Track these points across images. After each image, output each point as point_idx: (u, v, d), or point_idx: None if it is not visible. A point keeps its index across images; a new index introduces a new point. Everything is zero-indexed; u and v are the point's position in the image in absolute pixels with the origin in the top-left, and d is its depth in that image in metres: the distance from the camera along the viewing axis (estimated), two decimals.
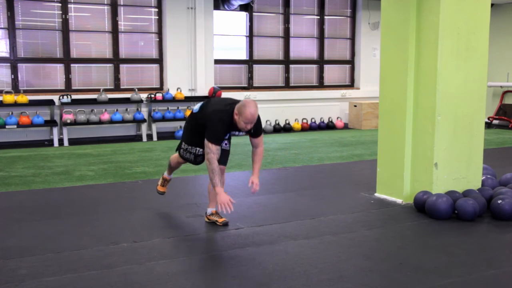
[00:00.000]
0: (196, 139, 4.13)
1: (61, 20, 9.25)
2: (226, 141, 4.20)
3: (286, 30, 11.19)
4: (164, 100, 9.66)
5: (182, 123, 9.84)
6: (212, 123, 3.88)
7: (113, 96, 9.44)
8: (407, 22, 4.80)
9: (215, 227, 4.22)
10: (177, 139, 9.43)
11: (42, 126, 8.90)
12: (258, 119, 3.98)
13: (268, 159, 7.39)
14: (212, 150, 3.83)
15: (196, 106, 4.16)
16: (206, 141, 3.86)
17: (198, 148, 4.15)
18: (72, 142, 8.96)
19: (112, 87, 9.70)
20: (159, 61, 10.06)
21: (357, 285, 3.12)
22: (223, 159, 4.17)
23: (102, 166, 6.83)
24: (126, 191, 5.50)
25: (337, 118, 11.52)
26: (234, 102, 3.98)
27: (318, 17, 11.54)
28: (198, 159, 4.21)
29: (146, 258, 3.53)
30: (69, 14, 9.28)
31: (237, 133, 4.05)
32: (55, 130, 8.82)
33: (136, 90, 9.55)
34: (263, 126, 10.52)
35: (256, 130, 4.03)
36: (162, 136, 9.67)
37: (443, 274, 3.30)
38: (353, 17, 11.90)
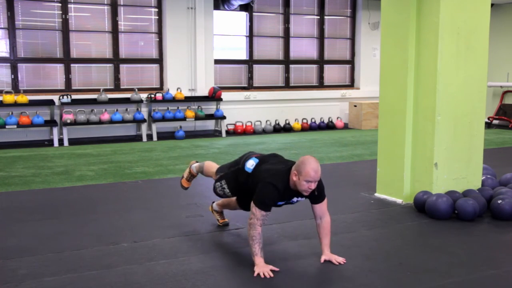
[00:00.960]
0: (239, 194, 3.76)
1: (61, 20, 9.25)
2: None
3: (286, 30, 11.19)
4: (164, 100, 9.66)
5: (182, 123, 9.85)
6: (263, 185, 3.30)
7: (113, 96, 9.44)
8: (407, 22, 4.80)
9: (215, 227, 4.22)
10: (177, 139, 9.43)
11: (42, 126, 8.90)
12: (320, 180, 3.35)
13: None
14: (256, 216, 3.27)
15: (250, 164, 3.55)
16: (252, 204, 3.31)
17: (232, 194, 3.81)
18: (72, 142, 8.96)
19: (112, 87, 9.70)
20: (159, 61, 10.06)
21: (357, 285, 3.12)
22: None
23: (102, 166, 6.83)
24: (126, 191, 5.50)
25: (337, 118, 11.52)
26: (291, 166, 3.36)
27: (318, 17, 11.54)
28: (228, 196, 3.90)
29: (146, 258, 3.53)
30: (69, 14, 9.28)
31: (295, 199, 3.47)
32: (55, 130, 8.81)
33: (136, 90, 9.55)
34: (263, 125, 10.69)
35: (319, 193, 3.39)
36: (162, 136, 9.67)
37: (443, 274, 3.30)
38: (353, 17, 11.90)
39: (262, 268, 3.24)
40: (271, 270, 3.26)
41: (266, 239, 3.92)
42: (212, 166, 4.03)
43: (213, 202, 4.32)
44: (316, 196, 3.38)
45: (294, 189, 3.33)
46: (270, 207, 3.32)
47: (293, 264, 3.46)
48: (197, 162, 4.24)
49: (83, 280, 3.17)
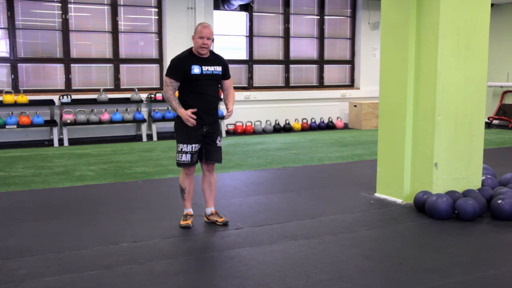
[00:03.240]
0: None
1: (61, 20, 9.25)
2: (219, 138, 4.23)
3: (286, 30, 11.19)
4: (164, 100, 9.66)
5: None
6: (170, 63, 4.13)
7: (113, 96, 9.44)
8: (407, 22, 4.80)
9: (215, 227, 4.22)
10: None
11: (42, 126, 8.90)
12: (226, 64, 4.23)
13: (268, 159, 7.39)
14: (167, 83, 4.07)
15: None
16: (164, 78, 4.12)
17: (193, 145, 4.11)
18: (72, 142, 8.96)
19: (112, 87, 9.70)
20: (159, 61, 10.06)
21: (357, 285, 3.12)
22: (216, 156, 4.22)
23: (102, 166, 6.83)
24: (126, 191, 5.50)
25: (337, 118, 11.52)
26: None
27: (318, 17, 11.54)
28: (195, 157, 4.17)
29: (146, 258, 3.53)
30: (69, 14, 9.28)
31: (211, 69, 4.11)
32: (55, 130, 8.82)
33: (136, 90, 9.55)
34: (263, 125, 10.71)
35: (226, 71, 4.22)
36: (162, 136, 9.67)
37: (443, 274, 3.30)
38: (353, 17, 11.90)
39: (186, 114, 3.99)
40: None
41: (266, 238, 3.92)
42: (180, 176, 4.36)
43: (205, 212, 4.39)
44: (224, 73, 4.20)
45: (198, 53, 4.07)
46: (176, 75, 4.05)
47: (293, 264, 3.46)
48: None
49: (83, 280, 3.17)
